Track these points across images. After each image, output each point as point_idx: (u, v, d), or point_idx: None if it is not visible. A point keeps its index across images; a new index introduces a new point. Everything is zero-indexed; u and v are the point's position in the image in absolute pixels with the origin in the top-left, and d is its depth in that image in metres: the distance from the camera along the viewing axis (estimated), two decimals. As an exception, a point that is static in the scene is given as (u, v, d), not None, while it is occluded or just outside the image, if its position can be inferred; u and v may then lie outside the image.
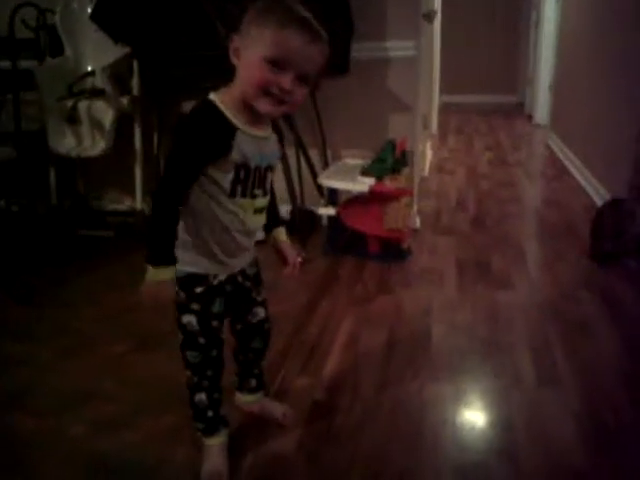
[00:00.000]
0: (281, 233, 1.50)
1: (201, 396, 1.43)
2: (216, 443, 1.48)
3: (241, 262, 1.40)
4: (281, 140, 1.39)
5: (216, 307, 1.37)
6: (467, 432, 1.58)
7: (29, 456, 1.54)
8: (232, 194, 1.25)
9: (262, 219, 1.38)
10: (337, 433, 1.58)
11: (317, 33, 1.18)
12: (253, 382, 1.62)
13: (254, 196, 1.30)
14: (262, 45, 1.15)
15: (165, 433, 1.59)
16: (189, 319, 1.35)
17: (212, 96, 1.23)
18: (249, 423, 1.62)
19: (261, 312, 1.52)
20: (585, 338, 2.03)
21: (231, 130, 1.21)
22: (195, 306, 1.34)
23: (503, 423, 1.61)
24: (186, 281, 1.32)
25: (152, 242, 1.23)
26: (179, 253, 1.30)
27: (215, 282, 1.34)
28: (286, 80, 1.17)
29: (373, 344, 2.03)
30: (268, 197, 1.37)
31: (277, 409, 1.64)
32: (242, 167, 1.24)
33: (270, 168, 1.33)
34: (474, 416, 1.66)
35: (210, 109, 1.21)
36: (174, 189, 1.22)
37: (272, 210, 1.45)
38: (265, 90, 1.18)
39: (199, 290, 1.33)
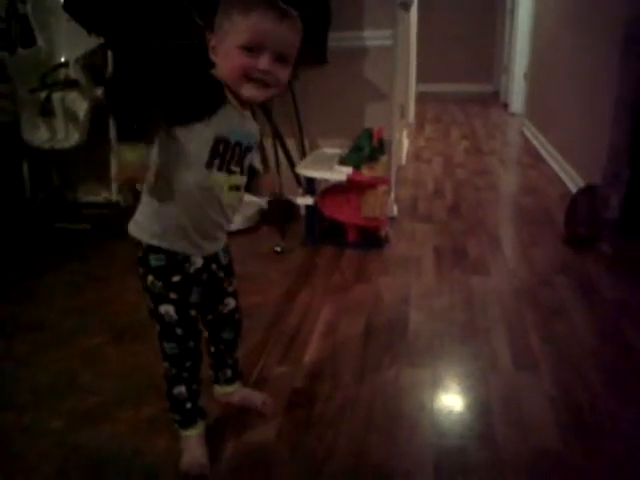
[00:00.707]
0: None
1: (180, 389, 1.42)
2: (194, 434, 1.47)
3: (214, 246, 1.39)
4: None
5: (194, 296, 1.36)
6: (445, 417, 1.60)
7: (9, 451, 1.53)
8: (209, 165, 1.24)
9: (238, 196, 1.35)
10: (317, 421, 1.59)
11: (284, 10, 1.20)
12: (229, 372, 1.62)
13: (230, 171, 1.29)
14: (234, 34, 1.18)
15: (144, 425, 1.58)
16: (167, 309, 1.34)
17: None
18: (228, 413, 1.63)
19: (231, 302, 1.52)
20: (561, 323, 2.06)
21: (222, 96, 1.23)
22: (173, 295, 1.33)
23: (481, 407, 1.63)
24: (162, 270, 1.31)
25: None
26: (149, 223, 1.30)
27: (192, 270, 1.34)
28: (263, 61, 1.19)
29: (351, 332, 2.04)
30: (245, 178, 1.36)
31: (256, 398, 1.65)
32: (222, 140, 1.24)
33: (249, 149, 1.33)
34: (452, 401, 1.68)
35: (211, 74, 1.25)
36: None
37: None
38: (247, 76, 1.20)
39: (176, 279, 1.32)
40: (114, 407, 1.67)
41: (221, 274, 1.46)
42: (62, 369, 1.87)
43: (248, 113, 1.32)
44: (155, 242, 1.29)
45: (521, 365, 1.82)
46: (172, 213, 1.27)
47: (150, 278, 1.32)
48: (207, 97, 1.21)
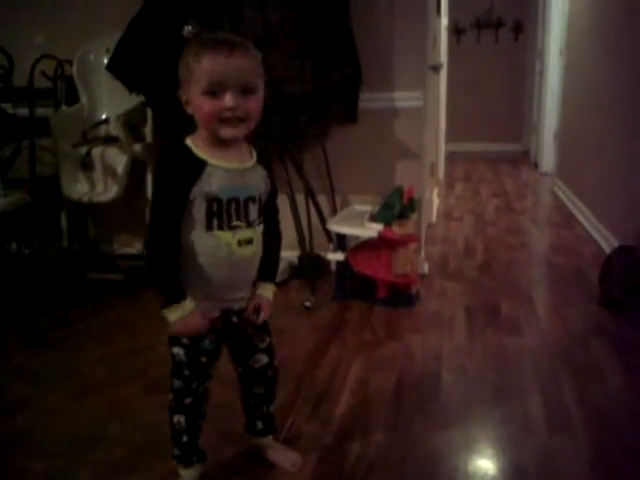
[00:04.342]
0: (265, 288, 1.46)
1: (180, 418, 1.45)
2: (188, 475, 1.49)
3: (236, 297, 1.40)
4: (270, 175, 1.41)
5: (205, 344, 1.39)
6: (478, 480, 1.56)
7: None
8: (209, 227, 1.28)
9: (253, 250, 1.36)
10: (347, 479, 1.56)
11: (234, 44, 1.22)
12: (259, 424, 1.61)
13: (233, 228, 1.30)
14: (195, 83, 1.22)
15: (172, 477, 1.57)
16: (178, 351, 1.39)
17: (186, 139, 1.30)
18: (260, 467, 1.61)
19: (264, 359, 1.52)
20: (595, 384, 2.01)
21: (199, 164, 1.26)
22: (185, 340, 1.37)
23: (515, 471, 1.59)
24: None
25: (159, 286, 1.29)
26: None
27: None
28: (228, 99, 1.21)
29: (382, 390, 2.02)
30: (257, 229, 1.37)
31: (286, 458, 1.62)
32: (213, 200, 1.27)
33: (252, 199, 1.33)
34: (485, 464, 1.64)
35: (179, 148, 1.29)
36: (162, 230, 1.27)
37: (266, 261, 1.44)
38: (218, 118, 1.23)
39: None
40: (141, 459, 1.67)
41: (250, 330, 1.47)
42: (92, 418, 1.88)
43: (244, 162, 1.33)
44: None
45: (556, 428, 1.77)
46: (192, 275, 1.31)
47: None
48: (184, 179, 1.25)
